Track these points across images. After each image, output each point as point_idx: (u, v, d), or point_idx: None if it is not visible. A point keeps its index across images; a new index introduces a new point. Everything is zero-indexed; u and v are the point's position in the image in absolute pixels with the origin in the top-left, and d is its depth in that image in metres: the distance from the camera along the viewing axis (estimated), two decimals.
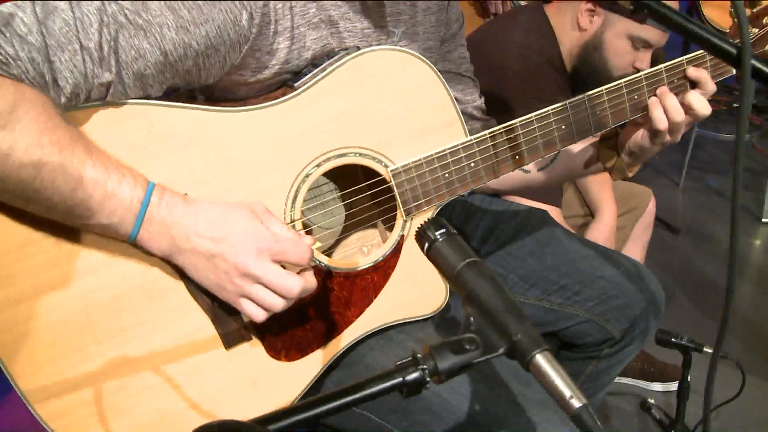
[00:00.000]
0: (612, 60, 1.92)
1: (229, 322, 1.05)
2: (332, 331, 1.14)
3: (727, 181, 4.20)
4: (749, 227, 3.66)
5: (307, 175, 1.10)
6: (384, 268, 1.17)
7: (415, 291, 1.20)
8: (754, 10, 1.37)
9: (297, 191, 1.09)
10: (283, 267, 0.99)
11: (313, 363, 1.13)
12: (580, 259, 1.48)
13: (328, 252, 1.26)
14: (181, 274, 1.01)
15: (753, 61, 0.80)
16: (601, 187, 2.26)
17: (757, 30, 1.37)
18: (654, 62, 1.30)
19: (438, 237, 0.84)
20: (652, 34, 1.85)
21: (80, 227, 0.95)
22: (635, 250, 2.42)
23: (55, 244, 0.96)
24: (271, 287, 0.97)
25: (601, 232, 2.18)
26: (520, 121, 1.20)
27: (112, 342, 0.99)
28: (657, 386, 2.46)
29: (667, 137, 1.26)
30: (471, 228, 1.54)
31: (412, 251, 1.18)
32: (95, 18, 0.90)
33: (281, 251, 0.98)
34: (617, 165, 1.37)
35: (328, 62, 1.09)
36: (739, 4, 0.77)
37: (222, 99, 1.11)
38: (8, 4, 0.87)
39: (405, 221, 1.18)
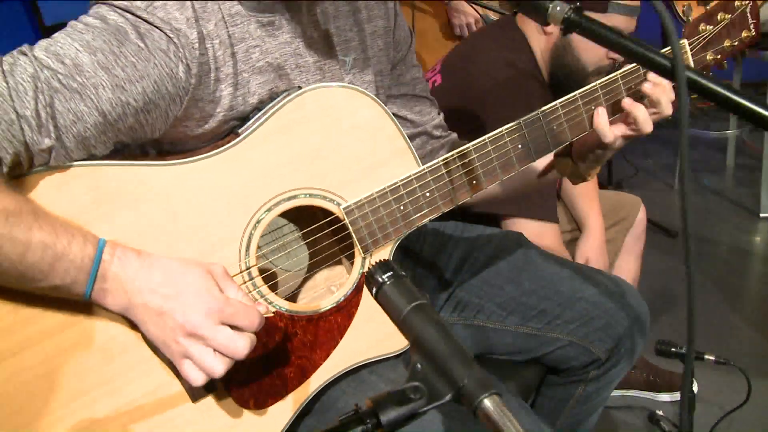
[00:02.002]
0: (583, 57, 1.87)
1: None
2: (300, 375, 1.12)
3: (722, 179, 4.15)
4: (748, 224, 3.61)
5: (258, 221, 1.08)
6: (347, 308, 1.15)
7: (381, 329, 1.17)
8: (708, 7, 1.35)
9: (250, 238, 1.08)
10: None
11: (284, 410, 1.11)
12: (558, 281, 1.45)
13: (296, 293, 1.24)
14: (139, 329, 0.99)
15: (687, 73, 0.80)
16: (586, 200, 2.20)
17: (712, 27, 1.34)
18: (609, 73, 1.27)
19: (385, 280, 0.81)
20: (617, 21, 1.79)
21: (34, 290, 0.94)
22: (629, 261, 2.36)
23: (11, 311, 0.95)
24: (219, 349, 0.95)
25: (591, 247, 2.12)
26: (473, 145, 1.18)
27: (78, 405, 0.98)
28: (665, 396, 2.41)
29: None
30: (444, 258, 1.51)
31: None
32: (30, 86, 0.91)
33: (231, 315, 0.96)
34: (574, 171, 1.36)
35: (270, 105, 1.08)
36: (665, 15, 0.75)
37: (172, 151, 1.11)
38: None
39: (364, 258, 1.16)
